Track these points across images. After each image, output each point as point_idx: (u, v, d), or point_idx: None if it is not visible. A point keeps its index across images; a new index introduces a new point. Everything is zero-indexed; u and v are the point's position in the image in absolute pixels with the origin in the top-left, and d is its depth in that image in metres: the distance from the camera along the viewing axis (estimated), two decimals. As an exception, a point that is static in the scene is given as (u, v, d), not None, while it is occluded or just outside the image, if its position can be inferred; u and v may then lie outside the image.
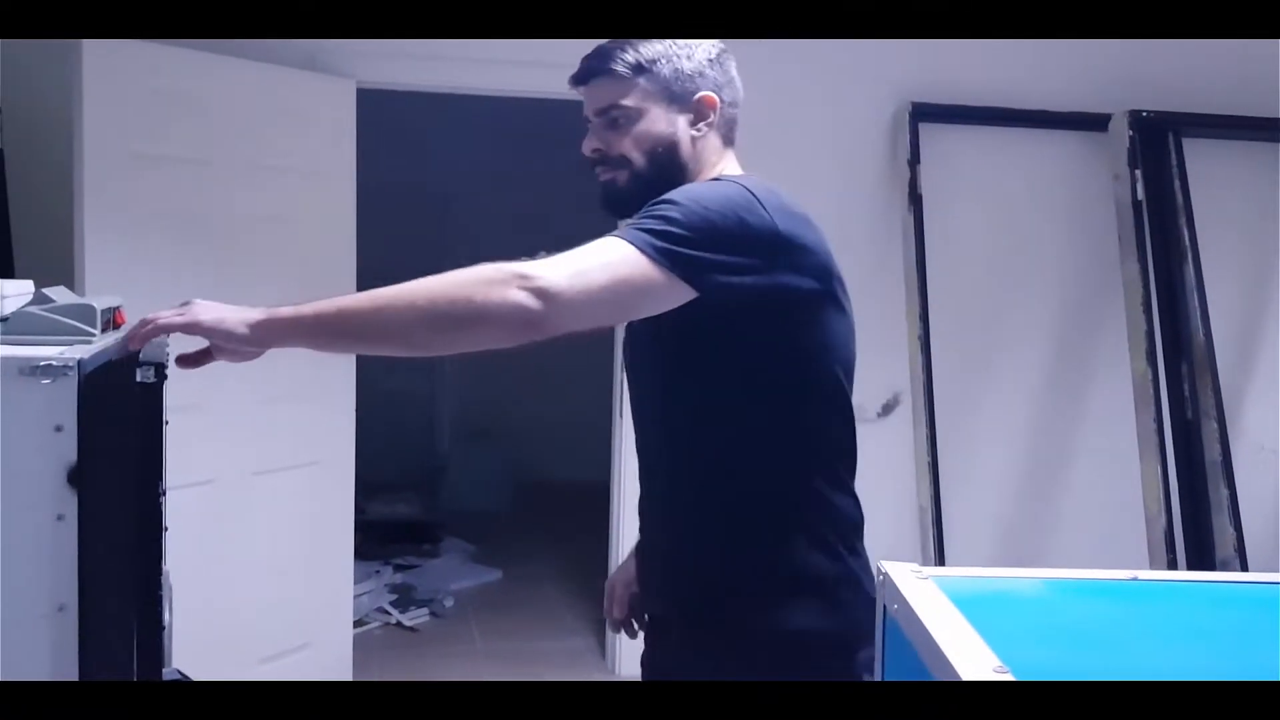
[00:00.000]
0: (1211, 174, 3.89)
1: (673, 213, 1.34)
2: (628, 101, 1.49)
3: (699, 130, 1.52)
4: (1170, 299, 3.78)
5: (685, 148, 1.51)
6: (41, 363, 1.34)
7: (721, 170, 1.55)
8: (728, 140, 1.57)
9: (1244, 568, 3.57)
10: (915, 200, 3.79)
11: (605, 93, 1.50)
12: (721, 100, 1.53)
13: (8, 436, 1.33)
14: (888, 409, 3.86)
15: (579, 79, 1.54)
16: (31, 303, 1.63)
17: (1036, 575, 0.88)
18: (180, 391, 1.71)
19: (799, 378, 1.46)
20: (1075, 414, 4.06)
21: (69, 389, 1.35)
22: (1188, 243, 3.75)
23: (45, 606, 1.37)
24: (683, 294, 1.33)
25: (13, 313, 1.57)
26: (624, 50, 1.50)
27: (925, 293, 3.76)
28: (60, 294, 1.70)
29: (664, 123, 1.50)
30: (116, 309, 1.84)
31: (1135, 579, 0.89)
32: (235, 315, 1.33)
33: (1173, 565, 3.54)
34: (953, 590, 0.81)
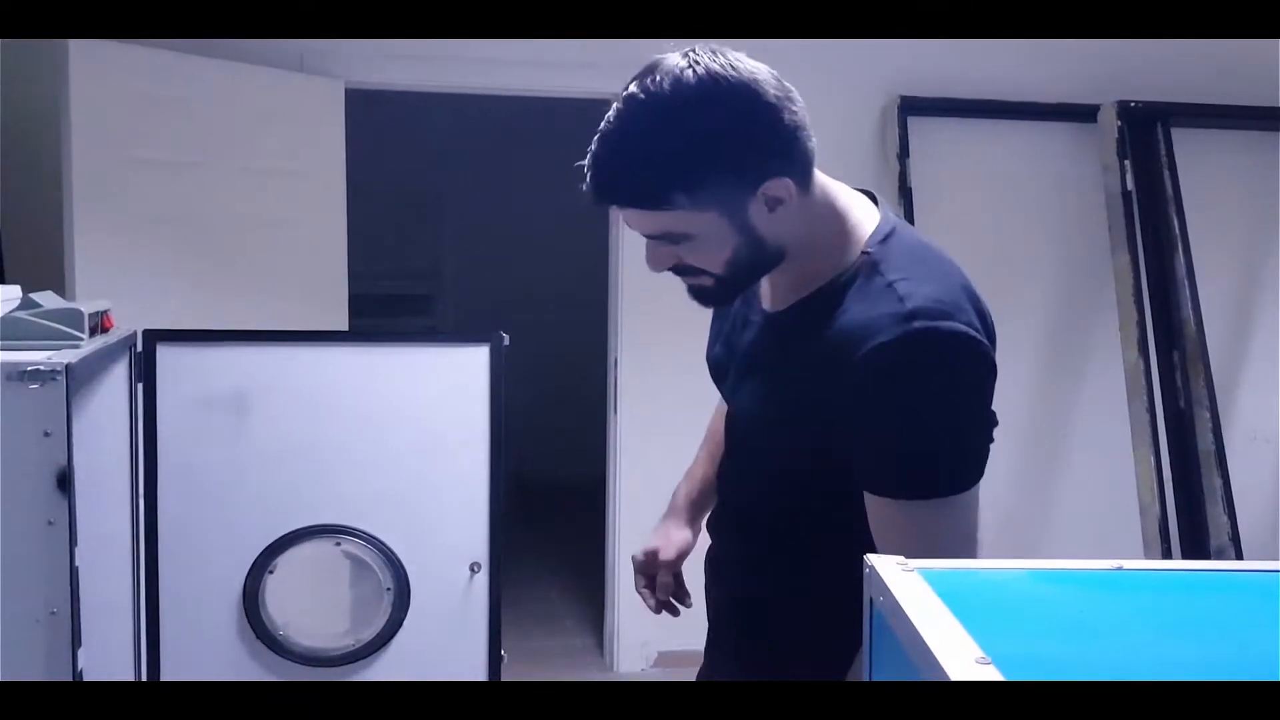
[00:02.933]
0: (1201, 163, 3.90)
1: (949, 437, 1.20)
2: (680, 229, 1.20)
3: (779, 211, 1.21)
4: (1161, 289, 3.79)
5: (770, 236, 1.22)
6: (29, 368, 1.34)
7: (829, 229, 1.27)
8: (809, 180, 1.24)
9: (1239, 556, 3.58)
10: (905, 194, 3.80)
11: (642, 222, 1.21)
12: (792, 168, 1.19)
13: (-4, 442, 1.33)
14: (881, 402, 3.87)
15: (599, 200, 1.20)
16: (19, 308, 1.63)
17: (1021, 566, 0.88)
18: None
19: None
20: (1068, 405, 4.07)
21: (57, 394, 1.35)
22: (1178, 232, 3.76)
23: (37, 612, 1.37)
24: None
25: (0, 318, 1.57)
26: (641, 170, 1.16)
27: (917, 286, 3.76)
28: (48, 299, 1.70)
29: (732, 230, 1.20)
30: (104, 313, 1.84)
31: (1120, 568, 0.90)
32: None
33: (1167, 555, 3.55)
34: (938, 582, 0.81)
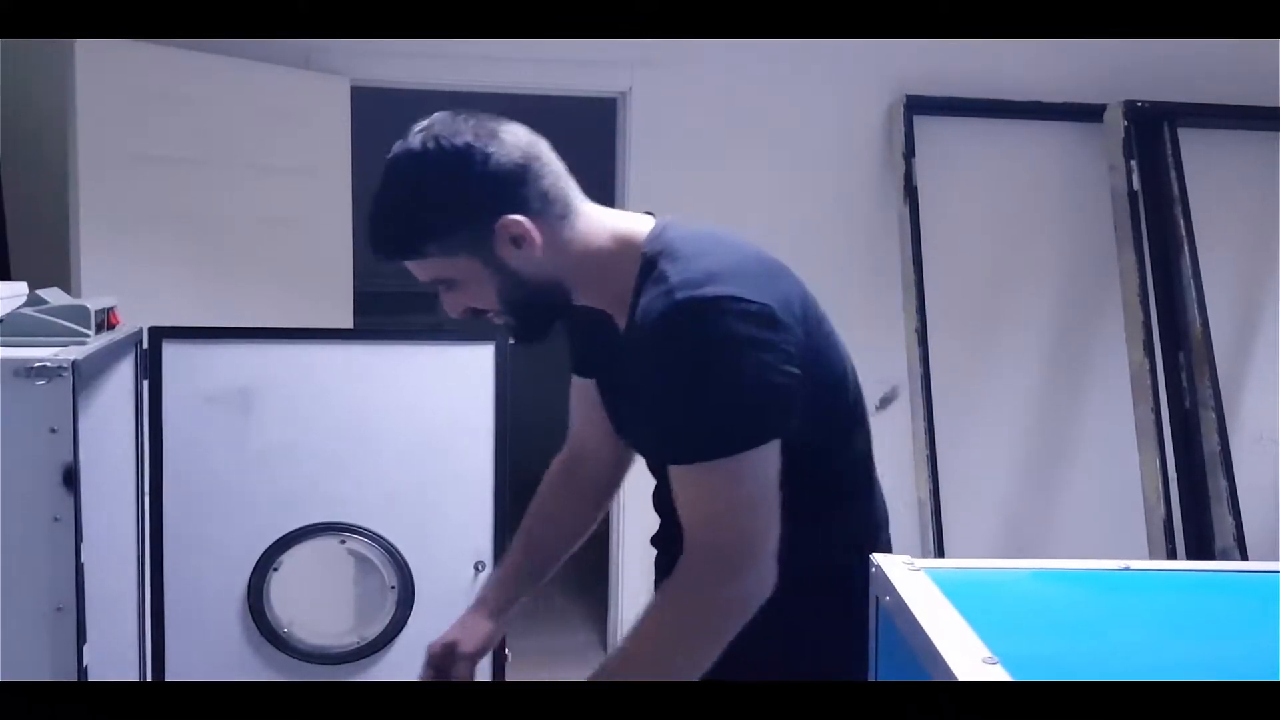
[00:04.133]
0: (1207, 163, 3.89)
1: (710, 402, 1.24)
2: (443, 275, 1.35)
3: (526, 246, 1.32)
4: (1167, 289, 3.78)
5: (530, 272, 1.34)
6: (36, 364, 1.35)
7: (604, 250, 1.37)
8: (560, 215, 1.34)
9: (1244, 557, 3.57)
10: (910, 193, 3.79)
11: (418, 272, 1.36)
12: (524, 205, 1.32)
13: (3, 438, 1.33)
14: (885, 402, 3.86)
15: (376, 254, 1.37)
16: (26, 304, 1.64)
17: (1028, 566, 0.88)
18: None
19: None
20: (1073, 405, 4.06)
21: (63, 390, 1.35)
22: (1184, 232, 3.75)
23: (43, 608, 1.37)
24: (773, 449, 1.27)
25: (7, 315, 1.57)
26: (396, 233, 1.33)
27: (922, 285, 3.76)
28: (54, 295, 1.70)
29: (487, 272, 1.33)
30: (111, 309, 1.84)
31: (1127, 568, 0.90)
32: None
33: (1172, 555, 3.54)
34: (944, 581, 0.81)
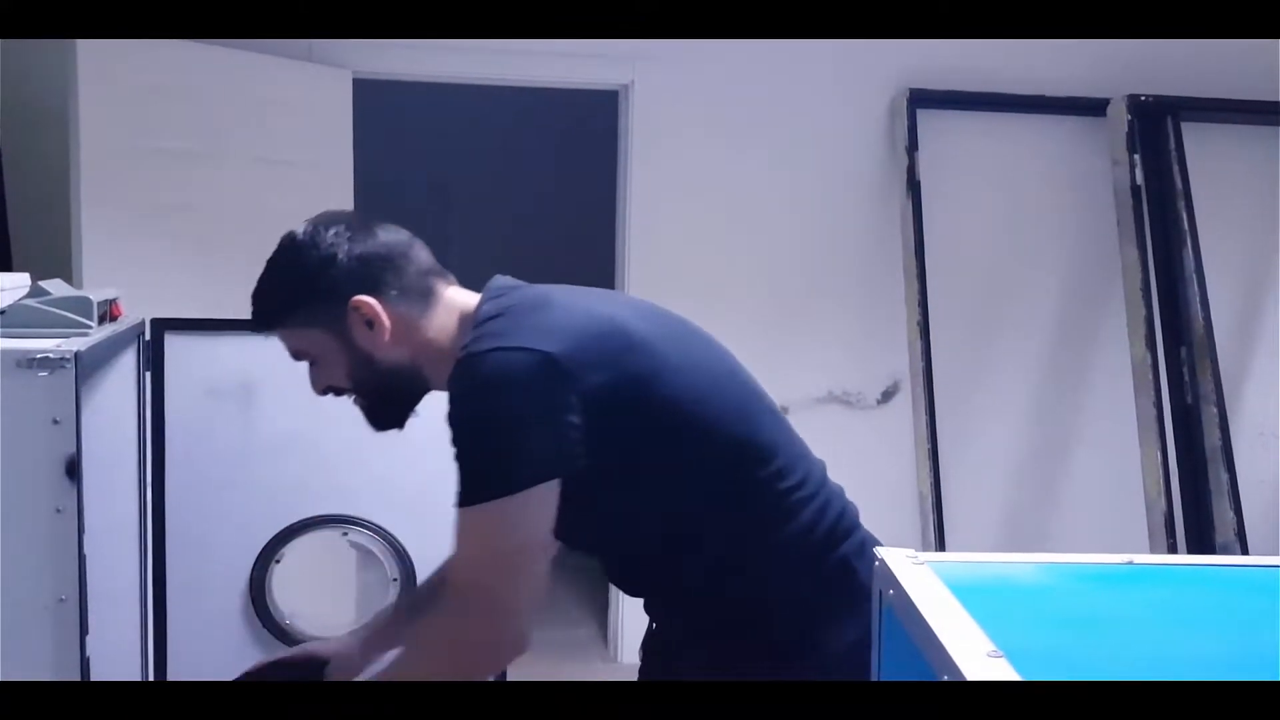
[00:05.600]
0: (1211, 158, 3.89)
1: (470, 450, 1.28)
2: (298, 348, 1.44)
3: (378, 329, 1.39)
4: (1169, 284, 3.78)
5: (383, 355, 1.40)
6: (39, 355, 1.35)
7: (448, 332, 1.42)
8: (419, 300, 1.41)
9: (1244, 552, 3.57)
10: (913, 187, 3.79)
11: (285, 343, 1.45)
12: (381, 295, 1.38)
13: (5, 430, 1.33)
14: (887, 396, 3.86)
15: (254, 327, 1.47)
16: (28, 295, 1.63)
17: (1032, 560, 0.88)
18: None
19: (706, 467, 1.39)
20: (1075, 399, 4.06)
21: (66, 382, 1.35)
22: (1187, 227, 3.75)
23: (46, 599, 1.37)
24: (556, 491, 1.28)
25: (9, 306, 1.57)
26: (262, 303, 1.43)
27: (924, 279, 3.76)
28: (57, 287, 1.70)
29: (340, 350, 1.41)
30: (113, 301, 1.84)
31: (1131, 563, 0.90)
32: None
33: (1173, 550, 3.55)
34: (948, 575, 0.81)
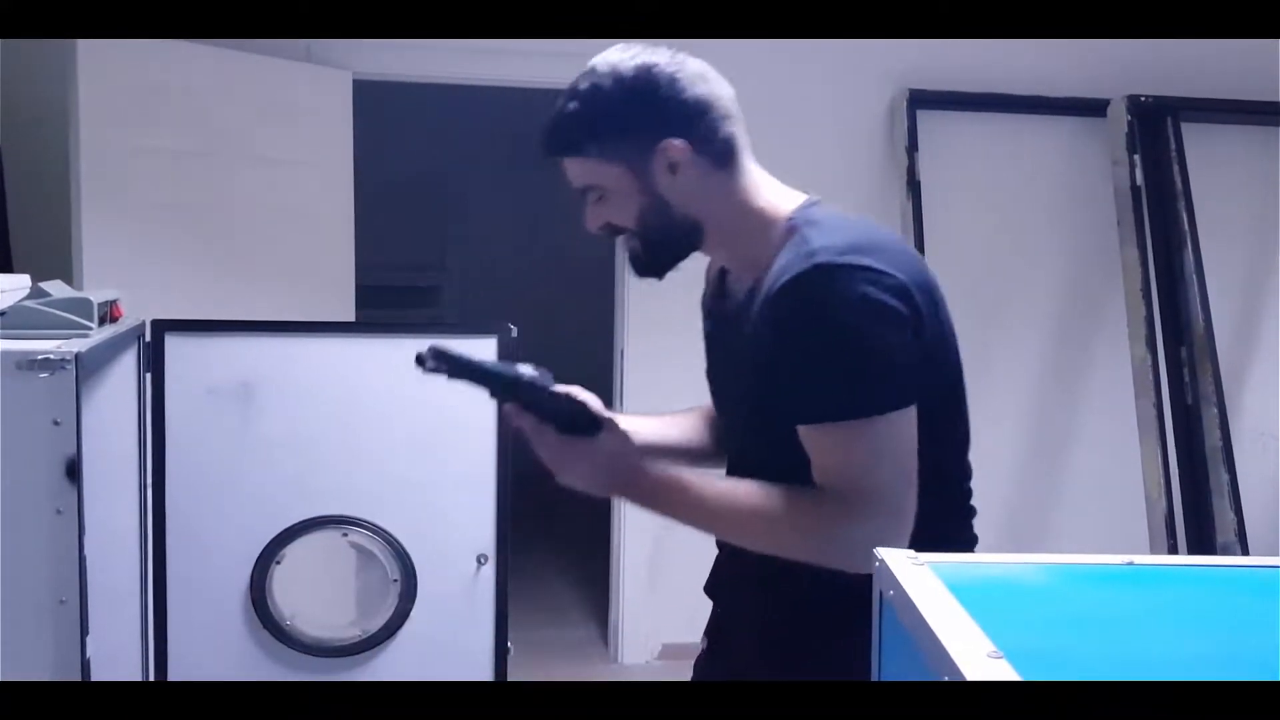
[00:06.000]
0: (1211, 158, 3.89)
1: (849, 362, 1.26)
2: (592, 180, 1.38)
3: (681, 176, 1.36)
4: (1169, 284, 3.78)
5: (676, 201, 1.36)
6: (39, 357, 1.35)
7: (746, 205, 1.39)
8: (723, 160, 1.38)
9: (1245, 552, 3.57)
10: (913, 187, 3.79)
11: (573, 172, 1.39)
12: (691, 136, 1.35)
13: (6, 431, 1.33)
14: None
15: (542, 149, 1.41)
16: (28, 297, 1.64)
17: (1032, 560, 0.88)
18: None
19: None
20: (1075, 400, 4.06)
21: (66, 383, 1.35)
22: (1187, 228, 3.75)
23: (46, 600, 1.37)
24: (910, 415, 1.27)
25: (9, 307, 1.57)
26: (565, 126, 1.37)
27: (924, 280, 3.76)
28: (57, 288, 1.70)
29: (636, 188, 1.36)
30: (114, 302, 1.84)
31: (1131, 564, 0.89)
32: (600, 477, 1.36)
33: (1173, 550, 3.54)
34: (948, 576, 0.81)
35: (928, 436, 1.33)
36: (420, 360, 1.33)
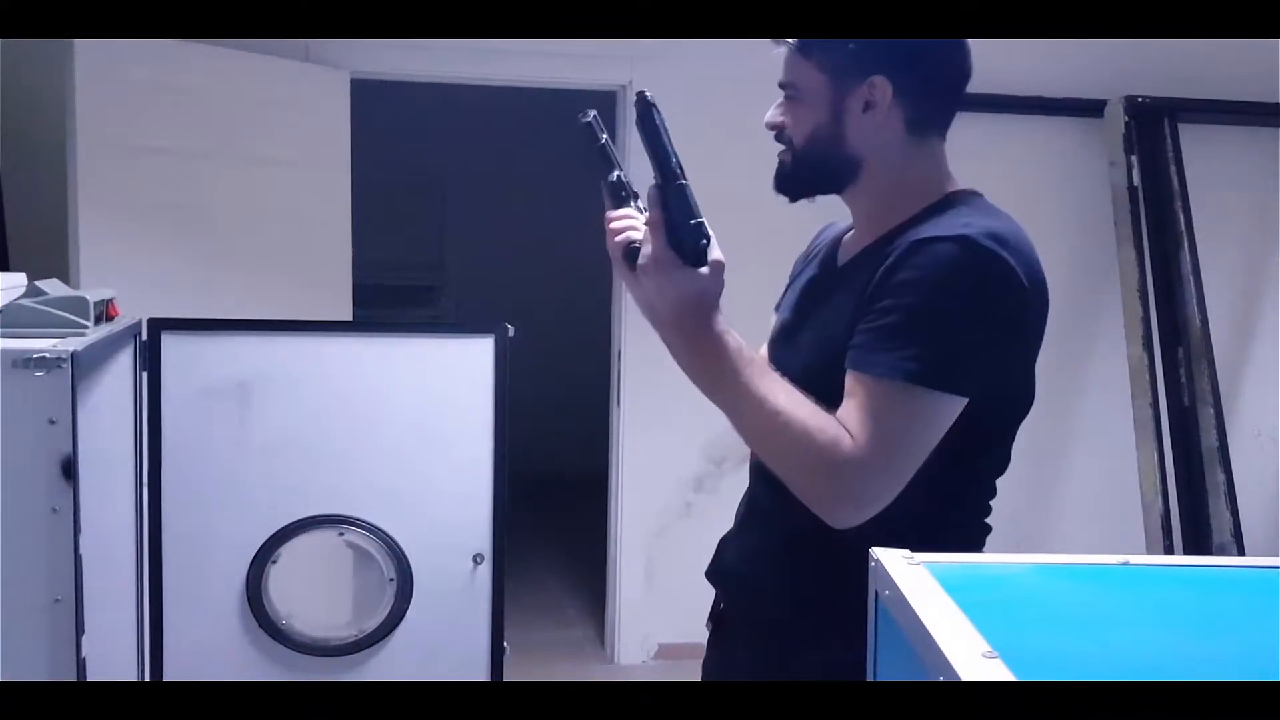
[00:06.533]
0: (1208, 159, 3.89)
1: (944, 333, 1.26)
2: (796, 80, 1.38)
3: (871, 117, 1.36)
4: (1166, 285, 3.78)
5: (852, 136, 1.37)
6: (35, 355, 1.35)
7: (917, 170, 1.40)
8: (915, 126, 1.38)
9: (1241, 553, 3.58)
10: (911, 188, 3.79)
11: (787, 64, 1.40)
12: (900, 84, 1.35)
13: (1, 430, 1.33)
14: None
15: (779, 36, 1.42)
16: (24, 295, 1.63)
17: (1027, 560, 0.88)
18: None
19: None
20: (1072, 400, 4.06)
21: (62, 382, 1.35)
22: (1184, 228, 3.75)
23: (42, 599, 1.37)
24: (958, 406, 1.27)
25: (5, 306, 1.57)
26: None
27: (921, 280, 3.76)
28: (53, 286, 1.70)
29: (826, 106, 1.37)
30: (110, 301, 1.84)
31: (1127, 563, 0.90)
32: (668, 307, 1.30)
33: (1170, 550, 3.55)
34: (943, 576, 0.81)
35: (980, 443, 1.35)
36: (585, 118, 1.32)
